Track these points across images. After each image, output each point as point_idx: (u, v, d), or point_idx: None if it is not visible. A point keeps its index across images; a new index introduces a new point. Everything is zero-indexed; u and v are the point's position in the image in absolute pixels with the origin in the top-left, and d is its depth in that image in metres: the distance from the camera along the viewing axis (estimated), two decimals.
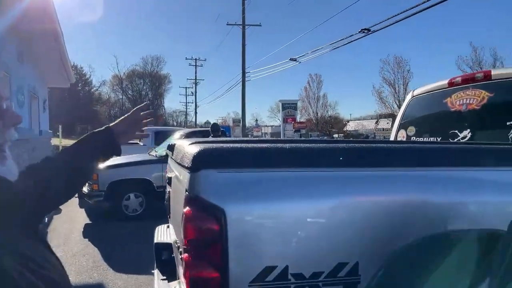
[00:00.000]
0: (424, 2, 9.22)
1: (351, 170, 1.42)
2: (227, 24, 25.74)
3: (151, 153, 7.81)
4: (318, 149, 1.52)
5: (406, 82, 37.16)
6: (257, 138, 2.09)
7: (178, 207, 1.81)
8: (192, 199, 1.34)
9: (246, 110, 25.42)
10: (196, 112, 50.93)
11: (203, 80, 59.65)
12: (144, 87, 68.56)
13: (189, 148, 1.50)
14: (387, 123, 41.74)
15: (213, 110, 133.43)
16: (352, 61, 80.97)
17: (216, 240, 1.29)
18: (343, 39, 14.36)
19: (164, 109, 73.49)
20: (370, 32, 13.08)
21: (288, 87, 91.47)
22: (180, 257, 1.50)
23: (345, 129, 51.86)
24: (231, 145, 1.43)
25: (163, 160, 6.87)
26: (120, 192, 6.59)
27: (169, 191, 2.16)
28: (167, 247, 2.40)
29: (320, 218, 1.34)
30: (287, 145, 1.44)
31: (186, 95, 59.44)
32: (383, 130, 36.02)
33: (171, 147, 2.09)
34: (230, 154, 1.38)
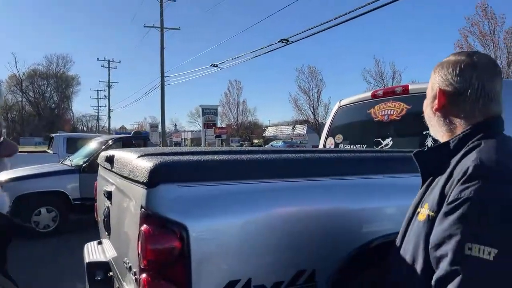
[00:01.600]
0: (336, 18, 9.97)
1: (312, 180, 1.48)
2: (144, 26, 24.75)
3: (64, 162, 7.13)
4: (286, 160, 1.55)
5: (320, 90, 39.54)
6: (211, 149, 2.05)
7: (124, 224, 1.69)
8: (150, 216, 1.27)
9: (165, 114, 24.62)
10: (109, 117, 47.88)
11: (117, 83, 56.45)
12: (48, 89, 62.34)
13: (141, 162, 1.41)
14: (303, 128, 44.13)
15: (129, 115, 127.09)
16: (271, 69, 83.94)
17: (178, 259, 1.23)
18: (263, 47, 14.81)
19: (73, 113, 67.80)
20: (288, 43, 13.69)
21: (209, 93, 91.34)
22: (135, 277, 1.40)
23: (264, 134, 53.40)
24: (192, 157, 1.38)
25: (79, 170, 6.32)
26: (29, 206, 5.88)
27: (107, 207, 2.00)
28: (102, 266, 2.22)
29: (281, 229, 1.36)
30: (249, 156, 1.45)
31: (98, 98, 55.43)
32: (299, 136, 37.92)
33: (109, 159, 1.95)
34: (192, 167, 1.33)
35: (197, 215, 1.27)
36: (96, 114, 57.96)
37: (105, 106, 51.16)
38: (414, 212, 1.05)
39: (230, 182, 1.33)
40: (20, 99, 59.75)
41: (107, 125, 48.84)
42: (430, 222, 0.93)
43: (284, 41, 13.66)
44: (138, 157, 1.52)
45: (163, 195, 1.27)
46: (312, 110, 39.05)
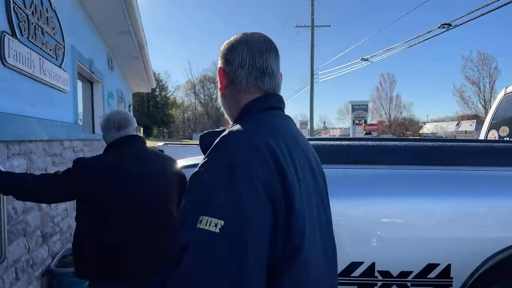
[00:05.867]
0: None
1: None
2: (296, 27, 25.77)
3: None
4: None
5: (493, 80, 33.71)
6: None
7: None
8: None
9: (313, 111, 25.17)
10: None
11: None
12: (215, 91, 71.25)
13: None
14: (470, 125, 38.27)
15: None
16: (427, 59, 75.90)
17: None
18: (419, 35, 13.53)
19: None
20: (450, 27, 12.16)
21: (358, 88, 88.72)
22: None
23: (421, 131, 48.75)
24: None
25: None
26: None
27: None
28: None
29: (409, 217, 1.31)
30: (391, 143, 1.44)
31: None
32: (465, 133, 33.16)
33: None
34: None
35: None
36: None
37: None
38: None
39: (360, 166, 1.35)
40: (193, 101, 70.25)
41: None
42: None
43: (446, 26, 12.19)
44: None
45: None
46: (483, 103, 33.67)
